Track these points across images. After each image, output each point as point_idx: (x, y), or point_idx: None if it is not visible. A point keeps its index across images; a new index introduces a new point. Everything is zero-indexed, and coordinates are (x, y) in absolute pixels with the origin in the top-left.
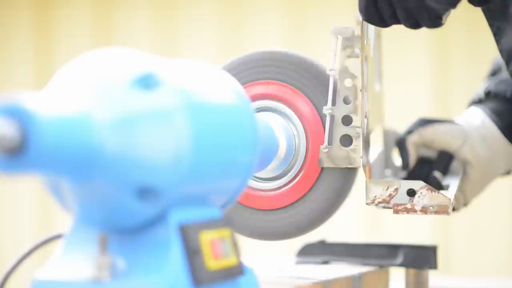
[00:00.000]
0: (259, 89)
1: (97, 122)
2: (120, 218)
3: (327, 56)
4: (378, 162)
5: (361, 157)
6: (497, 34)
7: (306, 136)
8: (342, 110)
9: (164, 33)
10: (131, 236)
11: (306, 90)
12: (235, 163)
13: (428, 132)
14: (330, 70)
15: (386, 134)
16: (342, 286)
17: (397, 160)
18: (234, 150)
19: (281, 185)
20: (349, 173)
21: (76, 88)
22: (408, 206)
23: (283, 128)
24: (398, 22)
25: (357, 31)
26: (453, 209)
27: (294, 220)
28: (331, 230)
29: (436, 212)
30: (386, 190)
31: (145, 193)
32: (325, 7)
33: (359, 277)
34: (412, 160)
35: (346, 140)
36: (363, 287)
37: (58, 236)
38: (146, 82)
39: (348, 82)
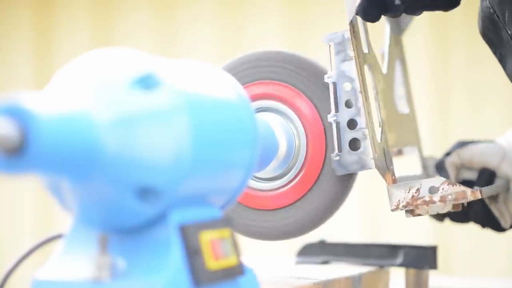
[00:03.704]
0: (259, 89)
1: (97, 122)
2: (120, 218)
3: (327, 56)
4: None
5: (372, 158)
6: (502, 61)
7: (306, 136)
8: (345, 115)
9: (164, 33)
10: (131, 236)
11: (306, 90)
12: (235, 163)
13: (466, 153)
14: (328, 77)
15: (426, 161)
16: (342, 286)
17: None
18: (234, 150)
19: (281, 185)
20: (348, 174)
21: (76, 88)
22: (426, 198)
23: (283, 128)
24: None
25: (347, 34)
26: (502, 230)
27: (294, 220)
28: (331, 230)
29: (455, 199)
30: (408, 192)
31: (145, 193)
32: (325, 7)
33: (359, 277)
34: (453, 181)
35: (355, 144)
36: (363, 287)
37: (58, 236)
38: (146, 82)
39: (347, 86)
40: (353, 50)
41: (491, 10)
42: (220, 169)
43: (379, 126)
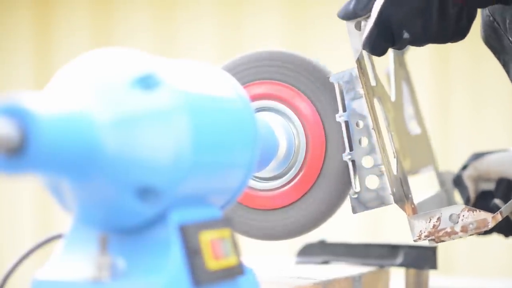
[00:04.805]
0: (259, 89)
1: (97, 122)
2: (120, 218)
3: (327, 56)
4: (433, 204)
5: (391, 194)
6: (505, 66)
7: (306, 136)
8: (360, 152)
9: (164, 33)
10: (131, 236)
11: (306, 90)
12: (235, 163)
13: (482, 164)
14: (340, 116)
15: (443, 176)
16: (342, 286)
17: (459, 199)
18: (234, 150)
19: (281, 185)
20: (348, 175)
21: (76, 88)
22: (448, 229)
23: (283, 128)
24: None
25: (355, 72)
26: None
27: (293, 220)
28: (331, 230)
29: (477, 228)
30: (429, 222)
31: (145, 193)
32: (325, 7)
33: (359, 277)
34: (472, 194)
35: (372, 181)
36: (363, 287)
37: (58, 236)
38: (146, 82)
39: (359, 124)
40: (362, 87)
41: (491, 18)
42: (220, 169)
43: (394, 157)
